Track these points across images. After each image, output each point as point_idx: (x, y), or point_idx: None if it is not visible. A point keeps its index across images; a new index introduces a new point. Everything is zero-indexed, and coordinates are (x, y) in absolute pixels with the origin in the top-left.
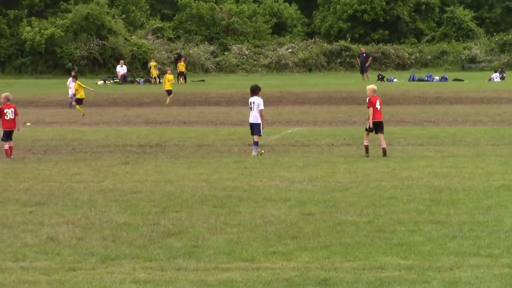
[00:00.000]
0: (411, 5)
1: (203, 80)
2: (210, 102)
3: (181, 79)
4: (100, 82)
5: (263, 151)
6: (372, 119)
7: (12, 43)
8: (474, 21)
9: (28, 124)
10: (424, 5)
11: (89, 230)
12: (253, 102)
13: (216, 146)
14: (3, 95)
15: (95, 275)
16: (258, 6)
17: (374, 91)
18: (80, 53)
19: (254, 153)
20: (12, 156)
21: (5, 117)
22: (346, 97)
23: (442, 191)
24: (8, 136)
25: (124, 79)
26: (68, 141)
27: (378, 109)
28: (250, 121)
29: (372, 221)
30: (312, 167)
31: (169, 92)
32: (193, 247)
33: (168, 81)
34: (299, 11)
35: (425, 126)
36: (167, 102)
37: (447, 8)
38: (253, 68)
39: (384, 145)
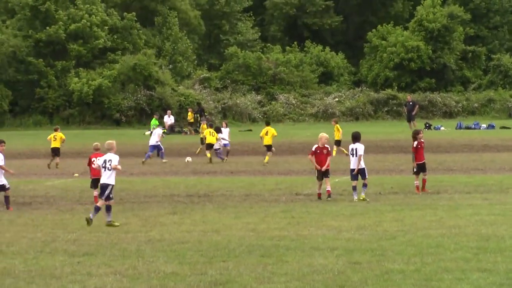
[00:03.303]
0: (458, 53)
1: (250, 130)
2: (258, 152)
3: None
4: (148, 133)
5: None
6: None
7: (60, 94)
8: None
9: (76, 175)
10: (470, 53)
11: (136, 280)
12: (355, 149)
13: (263, 195)
14: (93, 144)
15: None
16: (305, 55)
17: (327, 139)
18: (127, 104)
19: (362, 194)
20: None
21: (92, 165)
22: (394, 146)
23: (490, 239)
24: (95, 184)
25: (171, 129)
26: (116, 191)
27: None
28: (351, 167)
29: (420, 270)
30: (359, 215)
31: None
32: None
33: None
34: (345, 60)
35: (472, 174)
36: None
37: (494, 56)
38: (300, 117)
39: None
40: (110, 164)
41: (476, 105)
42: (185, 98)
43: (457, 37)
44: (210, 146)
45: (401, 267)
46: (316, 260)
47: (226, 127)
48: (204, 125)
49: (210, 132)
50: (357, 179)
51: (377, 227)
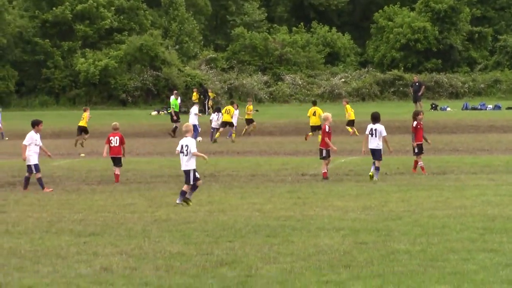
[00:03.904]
0: (464, 34)
1: (256, 110)
2: (264, 132)
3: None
4: (154, 113)
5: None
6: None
7: (67, 74)
8: None
9: (83, 155)
10: (477, 34)
11: (142, 260)
12: (375, 129)
13: (269, 175)
14: (112, 124)
15: None
16: (311, 36)
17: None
18: (134, 84)
19: (376, 178)
20: (117, 183)
21: (110, 144)
22: (400, 127)
23: (496, 219)
24: (115, 162)
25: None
26: (122, 171)
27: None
28: (370, 147)
29: (425, 250)
30: (365, 196)
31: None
32: (246, 277)
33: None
34: (352, 41)
35: (479, 155)
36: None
37: (500, 37)
38: (306, 98)
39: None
40: (187, 149)
41: (482, 85)
42: (191, 79)
43: (464, 18)
44: (225, 125)
45: (407, 247)
46: (322, 240)
47: (237, 108)
48: (249, 106)
49: (226, 110)
50: (378, 159)
51: (383, 207)
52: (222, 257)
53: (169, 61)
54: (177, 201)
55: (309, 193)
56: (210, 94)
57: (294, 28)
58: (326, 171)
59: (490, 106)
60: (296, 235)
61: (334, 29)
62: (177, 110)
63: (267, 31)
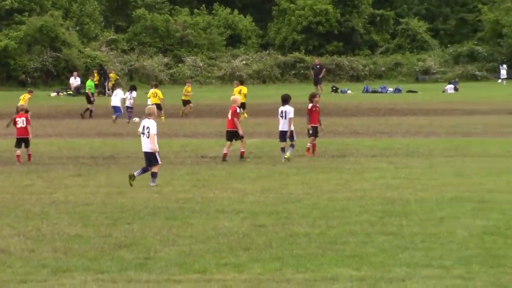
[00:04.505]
0: (366, 17)
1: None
2: (164, 114)
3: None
4: (54, 94)
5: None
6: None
7: None
8: (429, 32)
9: None
10: (378, 17)
11: (40, 242)
12: (285, 111)
13: (169, 158)
14: (18, 105)
15: (47, 287)
16: (213, 18)
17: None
18: (33, 65)
19: (289, 153)
20: (29, 162)
21: (17, 125)
22: (300, 109)
23: (395, 202)
24: (20, 143)
25: (77, 91)
26: (21, 153)
27: (229, 118)
28: (280, 129)
29: (325, 233)
30: (264, 178)
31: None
32: (145, 259)
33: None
34: (253, 23)
35: (379, 138)
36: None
37: (402, 20)
38: (207, 80)
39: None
40: (148, 131)
41: (383, 69)
42: (91, 60)
43: (366, 1)
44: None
45: (306, 230)
46: (221, 222)
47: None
48: (188, 87)
49: (153, 93)
50: (285, 141)
51: (282, 190)
52: (121, 240)
53: (69, 42)
54: (151, 184)
55: (208, 176)
56: (112, 75)
57: (195, 10)
58: (243, 150)
59: (391, 89)
60: (195, 217)
61: (236, 11)
62: (93, 91)
63: (169, 12)
